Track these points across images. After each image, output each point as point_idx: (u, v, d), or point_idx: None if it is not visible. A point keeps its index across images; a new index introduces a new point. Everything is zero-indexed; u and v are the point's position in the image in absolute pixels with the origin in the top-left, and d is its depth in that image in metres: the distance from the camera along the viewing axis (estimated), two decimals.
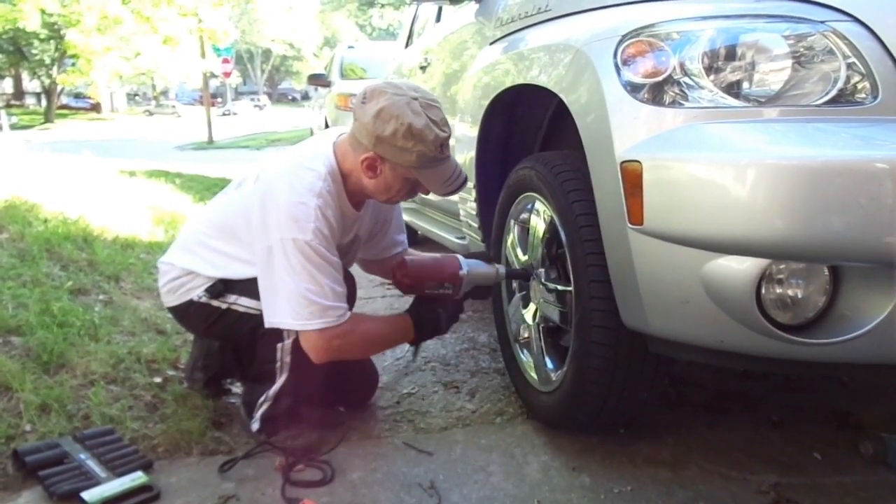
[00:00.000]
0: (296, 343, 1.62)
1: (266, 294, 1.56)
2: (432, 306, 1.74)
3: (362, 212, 1.77)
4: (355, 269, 2.06)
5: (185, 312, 1.78)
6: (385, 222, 1.95)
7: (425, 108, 1.54)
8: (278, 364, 1.67)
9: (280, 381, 1.68)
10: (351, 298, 1.75)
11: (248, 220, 1.60)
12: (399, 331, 1.73)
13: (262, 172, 1.66)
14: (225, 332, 1.77)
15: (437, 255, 1.84)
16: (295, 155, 1.67)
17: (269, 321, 1.56)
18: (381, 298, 3.10)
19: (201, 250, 1.73)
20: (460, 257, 1.76)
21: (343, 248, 1.75)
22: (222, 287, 1.69)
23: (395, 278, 1.73)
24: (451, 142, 2.33)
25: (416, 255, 2.01)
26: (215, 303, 1.70)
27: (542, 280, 1.76)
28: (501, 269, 1.81)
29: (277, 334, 1.63)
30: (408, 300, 1.82)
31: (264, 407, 1.70)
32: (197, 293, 1.71)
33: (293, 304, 1.51)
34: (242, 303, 1.68)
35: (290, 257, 1.50)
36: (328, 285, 1.53)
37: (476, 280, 1.76)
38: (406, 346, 2.40)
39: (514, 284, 1.97)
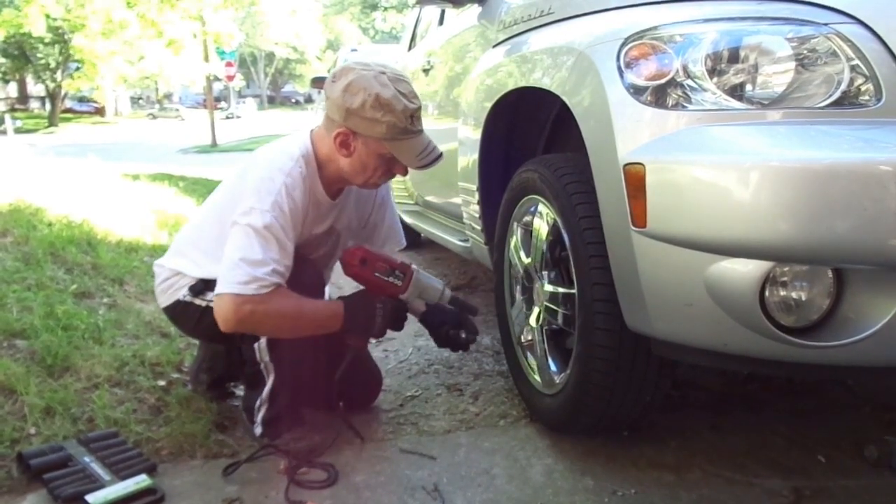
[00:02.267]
0: (270, 341, 1.64)
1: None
2: (371, 299, 1.68)
3: (339, 201, 1.76)
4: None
5: (175, 312, 1.81)
6: (374, 226, 1.93)
7: (393, 81, 1.56)
8: (262, 365, 1.68)
9: (269, 381, 1.69)
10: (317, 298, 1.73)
11: (223, 209, 1.63)
12: (325, 314, 1.64)
13: (243, 164, 1.70)
14: (210, 331, 1.73)
15: None
16: (272, 144, 1.70)
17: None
18: None
19: (190, 251, 1.76)
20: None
21: (315, 239, 1.76)
22: (202, 285, 1.70)
23: (347, 253, 1.72)
24: (454, 144, 2.35)
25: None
26: (197, 301, 1.72)
27: (545, 289, 1.76)
28: (448, 291, 1.80)
29: (255, 335, 1.64)
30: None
31: (263, 410, 1.71)
32: (182, 293, 1.74)
33: (224, 268, 1.51)
34: None
35: (238, 223, 1.52)
36: (262, 255, 1.50)
37: (424, 288, 1.74)
38: (409, 349, 2.42)
39: (518, 287, 1.97)
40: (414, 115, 1.58)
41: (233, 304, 1.49)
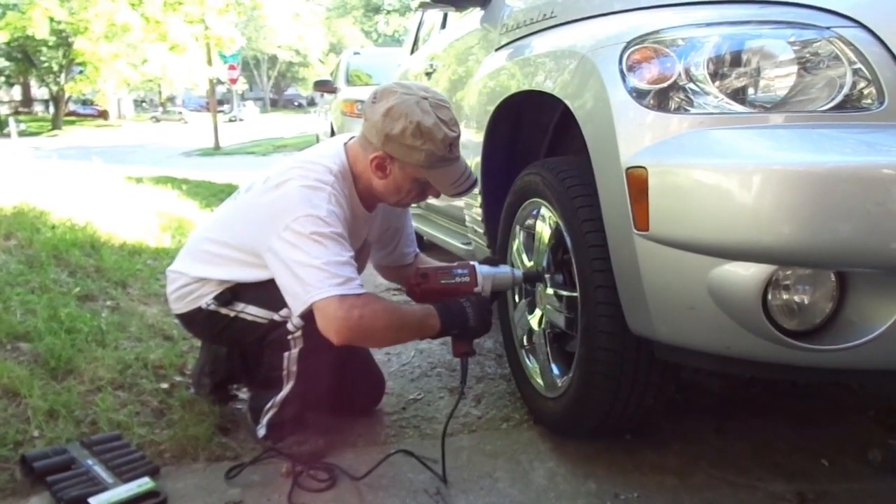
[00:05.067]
0: (302, 352, 1.62)
1: (289, 284, 1.49)
2: (454, 299, 1.64)
3: (374, 214, 1.78)
4: (367, 277, 2.08)
5: (194, 320, 1.78)
6: (396, 230, 1.95)
7: (434, 108, 1.55)
8: (285, 372, 1.66)
9: (286, 388, 1.67)
10: None
11: (256, 221, 1.58)
12: (422, 314, 1.60)
13: (272, 174, 1.66)
14: (232, 339, 1.77)
15: None
16: (306, 155, 1.68)
17: (297, 308, 1.49)
18: None
19: (210, 257, 1.72)
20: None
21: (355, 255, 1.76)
22: (230, 295, 1.68)
23: (410, 281, 1.70)
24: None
25: (426, 259, 2.03)
26: (223, 311, 1.70)
27: (548, 285, 1.76)
28: (518, 272, 1.76)
29: (285, 343, 1.63)
30: None
31: (270, 413, 1.70)
32: (206, 301, 1.71)
33: (310, 277, 1.44)
34: (250, 311, 1.67)
35: (302, 234, 1.46)
36: (346, 257, 1.48)
37: (493, 279, 1.69)
38: (411, 352, 2.42)
39: (521, 290, 1.97)
40: (453, 143, 1.57)
41: (341, 311, 1.43)
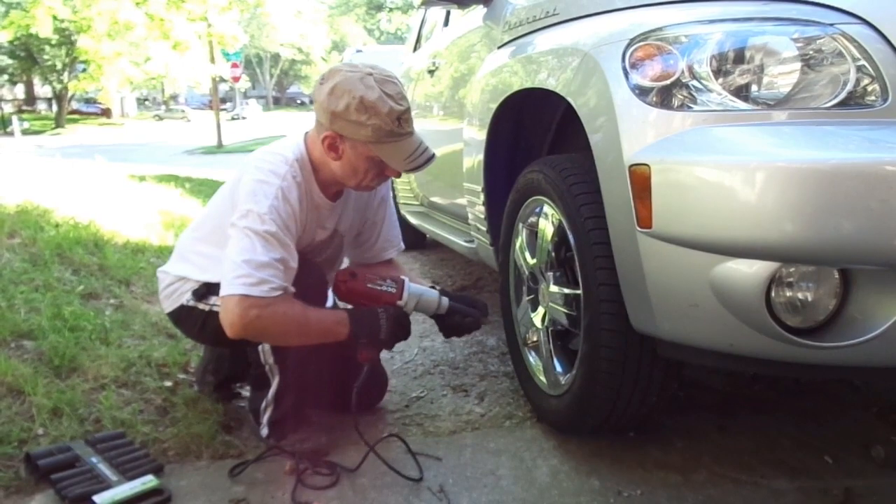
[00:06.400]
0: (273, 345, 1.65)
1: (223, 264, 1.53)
2: (373, 308, 1.66)
3: (339, 203, 1.76)
4: None
5: (179, 317, 1.81)
6: (374, 224, 1.92)
7: (379, 83, 1.54)
8: (267, 367, 1.69)
9: (275, 383, 1.69)
10: (321, 302, 1.73)
11: (224, 213, 1.62)
12: (331, 320, 1.61)
13: (240, 168, 1.69)
14: (214, 335, 1.73)
15: None
16: (268, 147, 1.70)
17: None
18: None
19: (191, 256, 1.77)
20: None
21: (319, 245, 1.76)
22: (205, 290, 1.71)
23: (338, 277, 1.70)
24: (459, 145, 2.35)
25: (400, 265, 2.02)
26: (200, 305, 1.72)
27: (550, 289, 1.75)
28: (445, 300, 1.75)
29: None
30: None
31: (269, 412, 1.71)
32: (186, 297, 1.74)
33: (228, 271, 1.47)
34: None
35: (237, 226, 1.51)
36: (268, 258, 1.48)
37: (419, 298, 1.71)
38: (414, 350, 2.42)
39: (524, 287, 1.97)
40: (401, 118, 1.55)
41: (239, 308, 1.46)
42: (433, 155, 1.64)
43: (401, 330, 1.67)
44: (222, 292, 1.49)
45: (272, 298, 1.48)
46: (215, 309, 1.68)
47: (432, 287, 1.79)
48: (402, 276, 1.74)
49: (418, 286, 1.75)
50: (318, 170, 1.66)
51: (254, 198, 1.52)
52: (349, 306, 1.72)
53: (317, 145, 1.63)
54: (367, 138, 1.54)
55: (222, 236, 1.59)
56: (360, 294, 1.69)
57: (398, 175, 1.69)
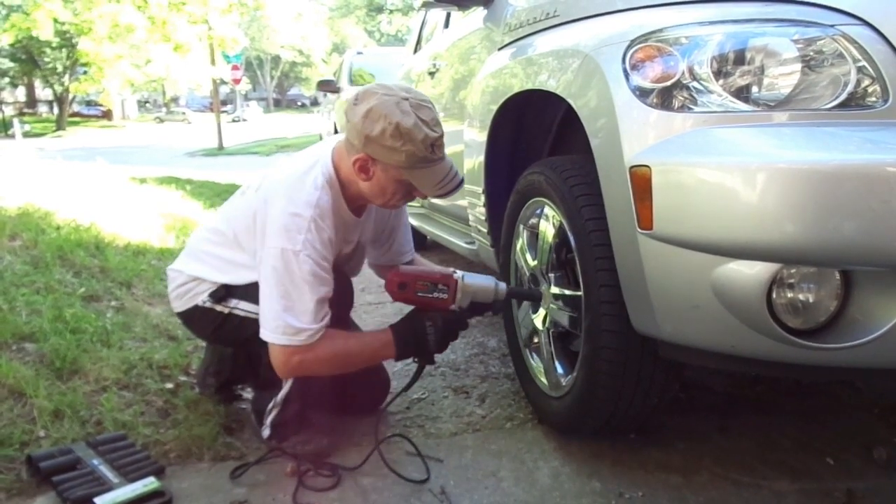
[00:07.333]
0: None
1: (261, 297, 1.56)
2: (420, 319, 1.66)
3: (363, 218, 1.78)
4: (368, 274, 2.08)
5: (192, 318, 1.81)
6: (392, 230, 1.95)
7: (415, 108, 1.54)
8: None
9: (286, 386, 1.68)
10: (347, 305, 1.73)
11: (248, 228, 1.63)
12: (375, 346, 1.66)
13: (264, 181, 1.68)
14: (229, 336, 1.78)
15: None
16: (295, 164, 1.68)
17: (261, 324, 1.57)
18: (390, 304, 3.10)
19: (207, 257, 1.76)
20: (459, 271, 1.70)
21: (344, 258, 1.77)
22: (224, 292, 1.71)
23: (388, 279, 1.69)
24: (460, 146, 2.35)
25: (421, 261, 2.03)
26: (218, 307, 1.72)
27: (551, 291, 1.75)
28: (502, 285, 1.69)
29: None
30: None
31: (273, 413, 1.71)
32: (202, 298, 1.74)
33: (268, 314, 1.53)
34: (242, 307, 1.70)
35: (276, 268, 1.52)
36: (307, 303, 1.52)
37: (474, 292, 1.67)
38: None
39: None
40: (435, 144, 1.55)
41: (283, 356, 1.54)
42: (462, 180, 1.65)
43: (450, 336, 1.70)
44: (264, 336, 1.55)
45: (312, 343, 1.53)
46: (236, 312, 1.71)
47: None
48: (455, 274, 1.68)
49: (473, 278, 1.69)
50: (345, 187, 1.66)
51: (286, 234, 1.52)
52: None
53: (345, 162, 1.63)
54: (400, 164, 1.55)
55: (239, 246, 1.64)
56: (412, 303, 1.70)
57: (425, 197, 1.69)
